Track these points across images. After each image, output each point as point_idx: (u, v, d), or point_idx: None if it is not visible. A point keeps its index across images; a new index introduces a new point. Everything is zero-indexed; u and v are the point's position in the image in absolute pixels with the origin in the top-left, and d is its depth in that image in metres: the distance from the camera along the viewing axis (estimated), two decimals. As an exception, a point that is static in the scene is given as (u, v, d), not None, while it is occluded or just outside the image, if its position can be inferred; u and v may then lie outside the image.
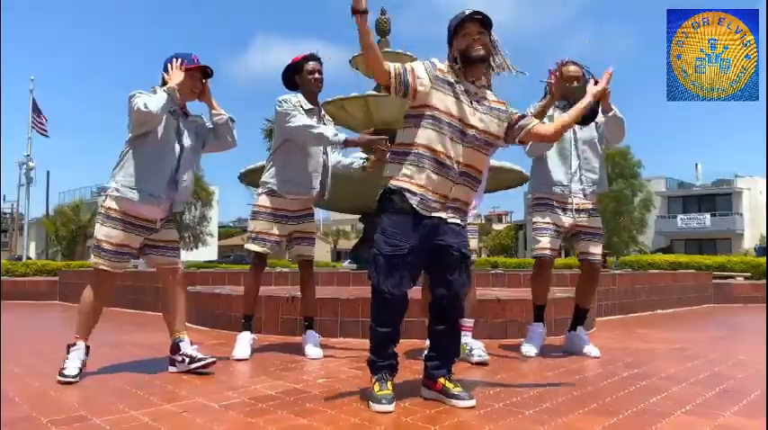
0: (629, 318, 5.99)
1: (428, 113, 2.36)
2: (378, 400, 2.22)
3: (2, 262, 13.16)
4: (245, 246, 3.50)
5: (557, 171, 3.50)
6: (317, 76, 3.45)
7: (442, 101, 2.36)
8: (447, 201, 2.38)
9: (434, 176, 2.33)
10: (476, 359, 3.19)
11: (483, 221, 61.90)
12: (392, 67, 2.35)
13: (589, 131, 3.52)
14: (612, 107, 3.38)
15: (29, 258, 21.09)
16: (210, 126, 3.19)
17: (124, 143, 2.96)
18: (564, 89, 3.24)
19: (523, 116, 2.53)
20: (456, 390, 2.32)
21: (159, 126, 2.89)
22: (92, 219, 41.55)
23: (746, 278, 10.70)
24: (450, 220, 2.38)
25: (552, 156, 3.52)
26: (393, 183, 2.38)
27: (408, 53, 10.44)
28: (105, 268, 2.88)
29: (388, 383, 2.31)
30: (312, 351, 3.42)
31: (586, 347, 3.49)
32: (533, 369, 3.14)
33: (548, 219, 3.49)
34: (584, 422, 2.08)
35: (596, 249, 3.52)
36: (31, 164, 21.88)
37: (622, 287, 6.30)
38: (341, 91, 8.18)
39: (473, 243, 3.26)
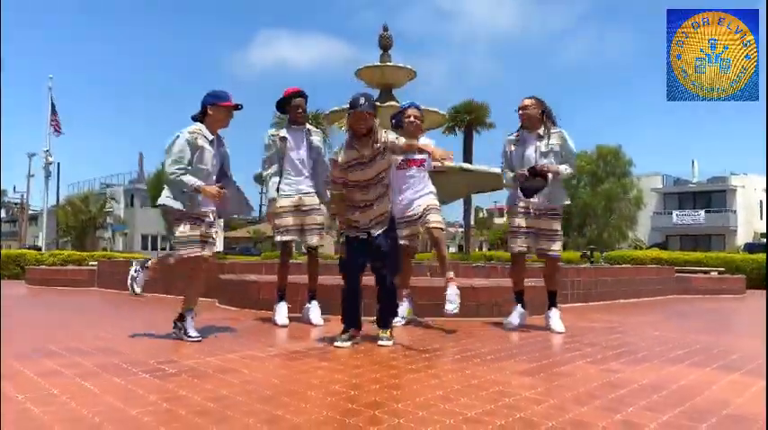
0: (590, 305, 7.01)
1: None
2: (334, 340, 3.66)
3: (29, 252, 14.31)
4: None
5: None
6: (299, 111, 4.49)
7: None
8: None
9: None
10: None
11: (485, 215, 62.68)
12: None
13: (532, 152, 4.34)
14: (549, 171, 4.20)
15: (40, 248, 22.11)
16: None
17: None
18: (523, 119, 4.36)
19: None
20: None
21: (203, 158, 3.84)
22: (101, 210, 42.57)
23: (720, 273, 11.74)
24: None
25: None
26: None
27: (408, 66, 11.46)
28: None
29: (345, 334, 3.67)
30: (315, 318, 4.54)
31: (552, 323, 4.44)
32: (491, 336, 4.19)
33: (517, 223, 4.43)
34: (511, 364, 3.13)
35: (547, 245, 4.35)
36: (50, 158, 22.76)
37: (586, 279, 7.31)
38: (345, 95, 9.20)
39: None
